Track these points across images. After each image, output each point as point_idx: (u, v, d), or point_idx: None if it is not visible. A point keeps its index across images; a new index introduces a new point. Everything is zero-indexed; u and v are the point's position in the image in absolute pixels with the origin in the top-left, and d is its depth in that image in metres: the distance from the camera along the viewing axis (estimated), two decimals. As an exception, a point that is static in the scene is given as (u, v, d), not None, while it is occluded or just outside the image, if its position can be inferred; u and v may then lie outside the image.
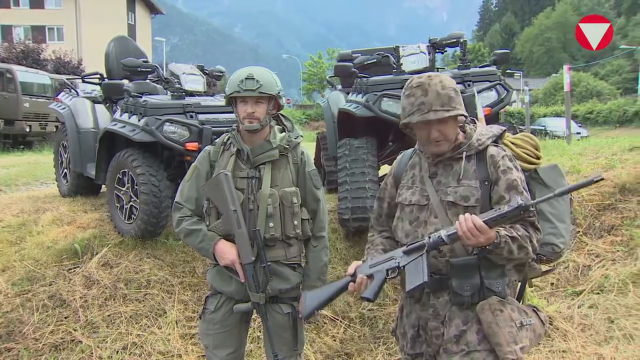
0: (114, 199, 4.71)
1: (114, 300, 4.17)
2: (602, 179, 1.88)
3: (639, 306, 4.01)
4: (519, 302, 2.20)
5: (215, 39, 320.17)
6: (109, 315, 4.04)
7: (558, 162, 5.43)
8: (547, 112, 37.39)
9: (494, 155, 2.12)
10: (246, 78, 2.46)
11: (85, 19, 36.19)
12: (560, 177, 2.37)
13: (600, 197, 5.05)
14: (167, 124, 4.31)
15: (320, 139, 6.36)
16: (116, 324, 3.99)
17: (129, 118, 4.57)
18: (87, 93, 6.03)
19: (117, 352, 3.79)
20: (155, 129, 4.29)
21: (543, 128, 26.51)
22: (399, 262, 2.08)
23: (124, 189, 4.60)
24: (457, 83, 2.18)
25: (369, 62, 5.11)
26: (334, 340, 4.13)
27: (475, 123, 2.26)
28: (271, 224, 2.49)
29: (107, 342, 3.85)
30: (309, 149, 3.05)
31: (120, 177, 4.62)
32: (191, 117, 4.43)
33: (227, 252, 2.47)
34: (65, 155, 5.97)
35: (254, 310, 2.56)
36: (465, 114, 2.13)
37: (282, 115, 2.70)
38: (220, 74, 5.44)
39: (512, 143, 2.33)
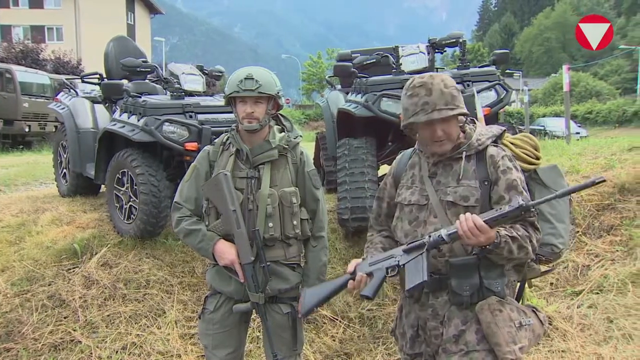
0: (113, 199, 4.71)
1: (113, 300, 4.17)
2: (604, 181, 1.87)
3: (638, 306, 4.01)
4: (518, 302, 2.20)
5: (214, 39, 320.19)
6: (108, 315, 4.04)
7: (557, 162, 5.44)
8: (546, 112, 37.42)
9: (493, 156, 2.12)
10: (245, 78, 2.46)
11: (84, 19, 36.19)
12: (559, 177, 2.37)
13: (599, 197, 5.05)
14: (167, 124, 4.31)
15: (319, 139, 6.36)
16: (115, 324, 3.99)
17: (129, 118, 4.57)
18: (87, 93, 6.03)
19: (117, 352, 3.79)
20: (154, 129, 4.29)
21: (542, 128, 26.53)
22: (398, 261, 2.08)
23: (123, 189, 4.60)
24: (457, 83, 2.18)
25: (368, 62, 5.11)
26: (334, 340, 4.13)
27: (475, 123, 2.26)
28: (270, 224, 2.49)
29: (106, 342, 3.85)
30: (308, 149, 3.06)
31: (120, 177, 4.62)
32: (190, 117, 4.43)
33: (226, 252, 2.47)
34: (65, 155, 5.97)
35: (254, 310, 2.56)
36: (467, 112, 2.13)
37: (281, 115, 2.70)
38: (220, 74, 5.44)
39: (512, 143, 2.33)
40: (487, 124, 2.51)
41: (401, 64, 4.93)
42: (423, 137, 2.15)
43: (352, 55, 5.97)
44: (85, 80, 6.08)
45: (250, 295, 2.48)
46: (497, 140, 2.21)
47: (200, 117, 4.45)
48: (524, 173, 2.18)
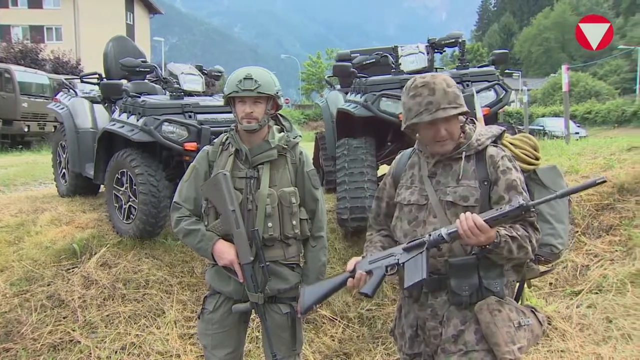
0: (113, 199, 4.71)
1: (112, 300, 4.17)
2: (605, 181, 1.87)
3: (637, 306, 4.02)
4: (517, 302, 2.20)
5: (214, 39, 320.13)
6: (107, 316, 4.04)
7: (557, 162, 5.44)
8: (545, 112, 37.44)
9: (493, 156, 2.12)
10: (244, 78, 2.46)
11: (83, 19, 36.18)
12: (558, 177, 2.37)
13: (598, 197, 5.06)
14: (166, 124, 4.31)
15: (318, 139, 6.36)
16: (115, 324, 3.99)
17: (128, 118, 4.57)
18: (86, 93, 6.03)
19: (116, 352, 3.79)
20: (153, 129, 4.29)
21: (541, 128, 26.56)
22: (398, 259, 2.08)
23: (122, 189, 4.60)
24: (456, 83, 2.18)
25: (368, 62, 5.11)
26: (333, 340, 4.13)
27: (474, 123, 2.27)
28: (270, 224, 2.49)
29: (105, 342, 3.85)
30: (307, 149, 3.06)
31: (119, 177, 4.62)
32: (190, 117, 4.42)
33: (225, 252, 2.47)
34: (64, 155, 5.96)
35: (253, 310, 2.56)
36: (469, 111, 2.13)
37: (280, 115, 2.70)
38: (219, 74, 5.44)
39: (511, 144, 2.33)
40: (486, 124, 2.51)
41: (400, 64, 4.93)
42: (425, 137, 2.14)
43: (352, 55, 5.97)
44: (85, 80, 6.08)
45: (250, 295, 2.48)
46: (496, 140, 2.21)
47: (200, 117, 4.45)
48: (523, 173, 2.18)
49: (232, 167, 2.53)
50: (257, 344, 3.89)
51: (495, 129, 2.24)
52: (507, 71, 47.01)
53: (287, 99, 42.68)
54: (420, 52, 4.92)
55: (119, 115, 4.72)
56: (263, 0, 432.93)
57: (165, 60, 40.04)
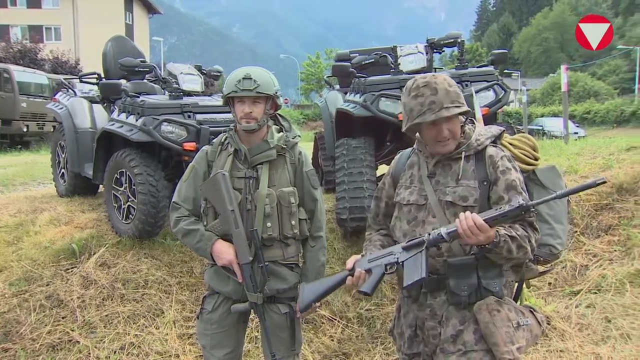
0: (112, 199, 4.71)
1: (111, 300, 4.17)
2: (605, 182, 1.88)
3: (636, 306, 4.02)
4: (516, 302, 2.20)
5: (213, 39, 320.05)
6: (106, 316, 4.04)
7: (555, 162, 5.44)
8: (544, 112, 37.46)
9: (492, 156, 2.12)
10: (243, 78, 2.46)
11: (82, 19, 36.16)
12: (557, 178, 2.37)
13: (597, 197, 5.06)
14: (165, 123, 4.31)
15: (318, 139, 6.36)
16: (114, 324, 3.98)
17: (127, 118, 4.57)
18: (85, 93, 6.02)
19: (115, 352, 3.78)
20: (152, 128, 4.28)
21: (541, 128, 26.56)
22: (397, 258, 2.08)
23: (121, 189, 4.60)
24: (455, 83, 2.18)
25: (367, 62, 5.11)
26: (332, 340, 4.13)
27: (474, 123, 2.27)
28: (269, 224, 2.49)
29: (104, 342, 3.84)
30: (306, 148, 3.06)
31: (118, 177, 4.62)
32: (189, 117, 4.42)
33: (224, 252, 2.47)
34: (63, 155, 5.96)
35: (252, 310, 2.56)
36: (471, 110, 2.13)
37: (279, 115, 2.70)
38: (218, 74, 5.44)
39: (510, 144, 2.34)
40: (485, 124, 2.51)
41: (399, 64, 4.93)
42: (428, 137, 2.14)
43: (351, 55, 5.97)
44: (84, 80, 6.08)
45: (249, 295, 2.48)
46: (496, 140, 2.22)
47: (199, 117, 4.45)
48: (522, 173, 2.18)
49: (231, 167, 2.53)
50: (256, 343, 3.89)
51: (494, 129, 2.24)
52: (506, 71, 47.03)
53: (286, 99, 42.74)
54: (419, 52, 4.92)
55: (118, 115, 4.72)
56: (262, 0, 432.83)
57: (164, 60, 40.06)
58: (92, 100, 5.81)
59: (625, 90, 48.10)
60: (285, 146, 2.60)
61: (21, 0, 37.53)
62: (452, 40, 5.19)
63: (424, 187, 2.17)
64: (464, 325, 2.06)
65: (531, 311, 2.15)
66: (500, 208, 1.93)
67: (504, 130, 2.27)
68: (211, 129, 4.30)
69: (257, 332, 3.85)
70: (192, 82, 4.86)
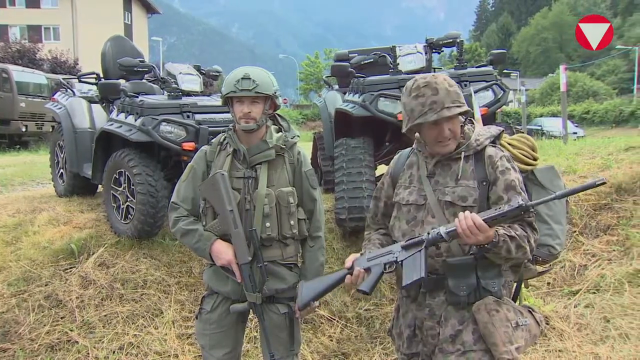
0: (111, 199, 4.70)
1: (110, 300, 4.16)
2: (605, 182, 1.88)
3: (635, 306, 4.03)
4: (515, 302, 2.21)
5: (212, 39, 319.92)
6: (105, 316, 4.03)
7: (554, 162, 5.44)
8: (543, 112, 37.47)
9: (492, 156, 2.13)
10: (242, 78, 2.46)
11: (81, 19, 36.14)
12: (556, 178, 2.38)
13: (596, 197, 5.06)
14: (164, 123, 4.30)
15: (317, 139, 6.35)
16: (112, 324, 3.98)
17: (126, 118, 4.56)
18: (84, 93, 6.01)
19: (114, 352, 3.78)
20: (151, 128, 4.28)
21: (539, 128, 26.55)
22: (396, 257, 2.08)
23: (120, 189, 4.59)
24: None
25: (366, 62, 5.12)
26: (331, 340, 4.13)
27: (473, 123, 2.27)
28: (268, 224, 2.49)
29: (103, 342, 3.84)
30: (305, 148, 3.06)
31: (117, 177, 4.61)
32: (188, 117, 4.42)
33: (223, 252, 2.47)
34: (62, 155, 5.95)
35: (251, 310, 2.56)
36: (471, 109, 2.14)
37: (278, 115, 2.70)
38: (217, 74, 5.43)
39: (509, 144, 2.34)
40: (484, 124, 2.51)
41: (398, 64, 4.93)
42: (428, 137, 2.14)
43: (350, 55, 5.98)
44: (82, 80, 6.07)
45: (248, 295, 2.48)
46: (495, 140, 2.22)
47: (198, 117, 4.44)
48: (521, 173, 2.18)
49: (229, 167, 2.53)
50: (255, 343, 3.89)
51: (493, 129, 2.24)
52: (505, 71, 47.04)
53: (285, 99, 42.72)
54: (418, 52, 4.92)
55: (117, 115, 4.72)
56: (261, 0, 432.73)
57: (163, 60, 40.08)
58: (91, 100, 5.80)
59: (624, 90, 48.13)
60: (284, 146, 2.60)
61: (20, 0, 37.51)
62: (451, 40, 5.19)
63: (423, 187, 2.17)
64: (462, 325, 2.07)
65: (530, 311, 2.15)
66: (500, 208, 1.93)
67: (503, 131, 2.27)
68: (210, 129, 4.30)
69: (256, 332, 3.85)
70: (191, 82, 4.85)
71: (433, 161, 2.18)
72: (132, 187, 4.45)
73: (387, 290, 4.54)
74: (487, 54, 5.61)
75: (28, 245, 4.55)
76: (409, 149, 2.35)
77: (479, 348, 2.02)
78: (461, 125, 2.17)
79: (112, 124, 4.67)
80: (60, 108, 5.83)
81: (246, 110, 2.48)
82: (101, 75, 5.84)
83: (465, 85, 4.65)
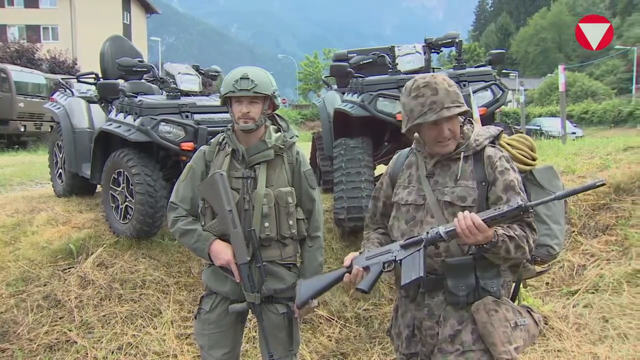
0: (109, 199, 4.70)
1: (109, 300, 4.16)
2: (604, 184, 1.88)
3: (634, 305, 4.03)
4: (514, 302, 2.21)
5: (211, 39, 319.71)
6: (104, 316, 4.03)
7: (553, 162, 5.45)
8: (542, 112, 37.50)
9: (491, 156, 2.13)
10: (241, 78, 2.46)
11: (80, 19, 36.12)
12: (555, 178, 2.38)
13: (595, 197, 5.07)
14: (163, 123, 4.30)
15: (316, 139, 6.35)
16: (111, 324, 3.98)
17: (125, 118, 4.56)
18: (82, 93, 6.01)
19: (112, 352, 3.78)
20: (150, 128, 4.28)
21: (538, 128, 26.59)
22: (395, 256, 2.08)
23: (119, 189, 4.59)
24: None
25: (365, 62, 5.12)
26: (330, 340, 4.13)
27: (472, 123, 2.27)
28: (266, 224, 2.49)
29: (102, 342, 3.84)
30: (304, 148, 3.05)
31: (116, 177, 4.61)
32: (187, 117, 4.42)
33: (222, 252, 2.47)
34: (60, 155, 5.94)
35: (250, 310, 2.56)
36: (470, 109, 2.14)
37: (277, 115, 2.70)
38: (216, 74, 5.43)
39: (508, 144, 2.34)
40: (483, 124, 2.52)
41: (397, 64, 4.93)
42: (428, 137, 2.14)
43: (349, 55, 5.98)
44: (81, 80, 6.07)
45: (246, 295, 2.48)
46: (494, 140, 2.22)
47: (197, 117, 4.44)
48: (520, 174, 2.19)
49: (228, 167, 2.53)
50: (254, 344, 3.89)
51: (493, 130, 2.24)
52: (504, 71, 47.00)
53: (284, 99, 42.70)
54: (417, 52, 4.92)
55: (116, 115, 4.72)
56: (260, 0, 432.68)
57: (162, 60, 40.00)
58: (89, 100, 5.80)
59: (623, 91, 48.16)
60: (282, 146, 2.60)
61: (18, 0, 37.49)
62: (450, 40, 5.19)
63: (422, 187, 2.17)
64: (461, 325, 2.07)
65: (528, 311, 2.15)
66: (499, 208, 1.94)
67: (502, 131, 2.27)
68: (209, 129, 4.30)
69: (255, 332, 3.85)
70: (189, 82, 4.85)
71: (432, 161, 2.18)
72: (130, 187, 4.45)
73: (385, 290, 4.54)
74: (486, 54, 5.61)
75: (27, 246, 4.55)
76: (408, 148, 2.35)
77: (478, 348, 2.02)
78: (460, 126, 2.17)
79: (110, 124, 4.67)
80: (59, 108, 5.83)
81: (245, 110, 2.48)
82: (100, 75, 5.84)
83: (464, 85, 4.65)
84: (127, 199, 4.52)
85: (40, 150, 14.82)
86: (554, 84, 40.81)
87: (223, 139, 2.62)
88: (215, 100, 4.75)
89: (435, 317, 2.12)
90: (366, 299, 4.43)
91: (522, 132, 2.64)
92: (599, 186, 1.86)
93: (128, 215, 4.54)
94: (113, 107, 4.97)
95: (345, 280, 2.20)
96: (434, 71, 5.63)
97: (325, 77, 7.06)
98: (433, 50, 5.37)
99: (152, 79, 5.45)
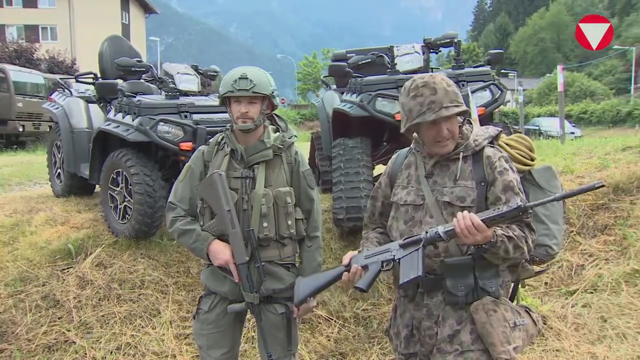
0: (108, 199, 4.70)
1: (107, 300, 4.16)
2: (603, 186, 1.89)
3: (632, 305, 4.04)
4: (512, 302, 2.21)
5: (210, 39, 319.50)
6: (102, 316, 4.03)
7: (552, 162, 5.45)
8: (541, 112, 37.58)
9: (490, 156, 2.13)
10: (240, 78, 2.46)
11: (78, 19, 36.09)
12: (553, 178, 2.38)
13: (593, 197, 5.07)
14: (161, 123, 4.30)
15: (314, 139, 6.35)
16: (110, 325, 3.98)
17: (123, 118, 4.56)
18: (81, 93, 6.00)
19: (111, 352, 3.78)
20: (149, 128, 4.28)
21: (537, 128, 26.63)
22: (394, 255, 2.08)
23: (118, 189, 4.59)
24: (452, 83, 2.18)
25: (363, 62, 5.12)
26: (329, 340, 4.13)
27: (471, 124, 2.27)
28: (265, 224, 2.49)
29: (100, 342, 3.84)
30: (303, 148, 3.05)
31: (114, 177, 4.61)
32: (185, 117, 4.42)
33: (221, 252, 2.46)
34: (59, 155, 5.94)
35: (248, 310, 2.56)
36: (468, 109, 2.14)
37: (276, 115, 2.70)
38: (215, 74, 5.42)
39: (506, 144, 2.34)
40: (482, 124, 2.52)
41: (396, 64, 4.93)
42: (427, 137, 2.14)
43: (347, 55, 5.97)
44: (80, 79, 6.06)
45: (245, 295, 2.48)
46: (493, 141, 2.22)
47: (195, 117, 4.44)
48: (518, 174, 2.19)
49: (227, 167, 2.53)
50: (252, 344, 3.89)
51: (492, 130, 2.24)
52: (502, 71, 47.11)
53: (283, 99, 42.72)
54: (415, 52, 4.92)
55: (115, 115, 4.71)
56: (259, 0, 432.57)
57: (161, 60, 39.93)
58: (88, 100, 5.80)
59: (621, 91, 48.23)
60: (281, 146, 2.60)
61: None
62: (448, 40, 5.19)
63: (421, 188, 2.17)
64: (460, 325, 2.07)
65: (527, 311, 2.16)
66: (498, 209, 1.94)
67: (501, 131, 2.28)
68: (208, 128, 4.30)
69: (254, 332, 3.85)
70: (188, 82, 4.85)
71: (432, 161, 2.18)
72: (129, 187, 4.44)
73: (384, 290, 4.54)
74: (485, 54, 5.62)
75: (25, 246, 4.54)
76: (407, 148, 2.35)
77: (477, 348, 2.02)
78: (459, 126, 2.18)
79: (109, 124, 4.66)
80: (57, 108, 5.83)
81: (244, 110, 2.48)
82: (99, 75, 5.83)
83: (463, 85, 4.65)
84: (126, 199, 4.52)
85: (38, 150, 14.81)
86: (553, 84, 40.82)
87: (222, 139, 2.62)
88: (214, 100, 4.75)
89: (434, 317, 2.12)
90: (365, 299, 4.43)
91: (520, 132, 2.65)
92: (597, 188, 1.86)
93: (127, 215, 4.54)
94: (112, 107, 4.97)
95: (344, 279, 2.20)
96: (432, 71, 5.63)
97: (324, 77, 7.07)
98: (432, 50, 5.37)
99: (150, 78, 5.45)
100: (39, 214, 5.14)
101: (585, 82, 45.86)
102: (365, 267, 2.14)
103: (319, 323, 4.26)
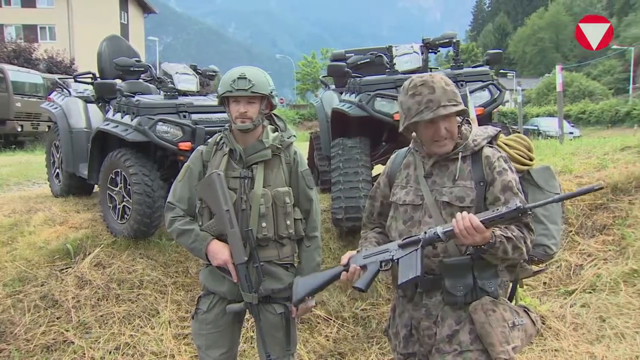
0: (107, 199, 4.69)
1: (106, 300, 4.15)
2: (602, 188, 1.90)
3: (630, 305, 4.04)
4: (511, 302, 2.21)
5: (208, 39, 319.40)
6: (101, 316, 4.03)
7: (550, 162, 5.46)
8: (539, 112, 37.60)
9: (489, 156, 2.13)
10: (238, 78, 2.46)
11: (77, 19, 36.06)
12: (552, 178, 2.39)
13: (592, 197, 5.07)
14: (160, 123, 4.30)
15: (313, 139, 6.35)
16: (109, 325, 3.97)
17: (122, 118, 4.55)
18: (80, 92, 6.00)
19: (110, 352, 3.77)
20: (148, 128, 4.27)
21: (536, 128, 26.66)
22: (393, 255, 2.08)
23: (116, 189, 4.58)
24: (451, 83, 2.18)
25: (362, 61, 5.11)
26: (327, 340, 4.13)
27: (470, 124, 2.27)
28: (264, 224, 2.49)
29: (99, 342, 3.83)
30: (302, 148, 3.05)
31: (113, 177, 4.60)
32: (184, 116, 4.41)
33: (219, 252, 2.46)
34: (58, 155, 5.93)
35: (247, 310, 2.56)
36: (467, 109, 2.14)
37: (274, 115, 2.70)
38: (214, 74, 5.42)
39: (505, 144, 2.34)
40: (480, 124, 2.51)
41: (395, 64, 4.92)
42: (425, 136, 2.14)
43: (346, 55, 5.97)
44: (78, 79, 6.05)
45: (244, 295, 2.48)
46: (492, 141, 2.22)
47: (194, 116, 4.44)
48: (517, 174, 2.19)
49: (226, 166, 2.53)
50: (251, 344, 3.89)
51: (490, 130, 2.25)
52: (501, 71, 47.17)
53: (281, 99, 42.72)
54: (414, 52, 4.92)
55: (113, 115, 4.71)
56: (258, 0, 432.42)
57: (159, 59, 39.93)
58: (87, 100, 5.79)
59: (620, 91, 48.28)
60: (280, 146, 2.60)
61: (15, -1, 37.46)
62: (447, 40, 5.19)
63: (420, 188, 2.17)
64: (459, 325, 2.07)
65: (526, 311, 2.16)
66: (497, 209, 1.94)
67: (500, 131, 2.28)
68: (206, 128, 4.29)
69: (253, 332, 3.85)
70: (187, 81, 4.85)
71: (430, 161, 2.18)
72: (128, 187, 4.44)
73: (383, 290, 4.54)
74: (484, 54, 5.62)
75: (24, 246, 4.54)
76: (406, 148, 2.35)
77: (476, 348, 2.02)
78: (458, 126, 2.18)
79: (108, 124, 4.66)
80: (56, 108, 5.82)
81: (242, 110, 2.48)
82: (97, 75, 5.82)
83: (462, 85, 4.65)
84: (125, 199, 4.51)
85: (37, 150, 14.80)
86: (552, 84, 40.88)
87: (220, 139, 2.62)
88: (212, 100, 4.75)
89: (433, 317, 2.12)
90: (364, 299, 4.43)
91: (519, 132, 2.65)
92: (597, 190, 1.87)
93: (125, 215, 4.53)
94: (110, 106, 4.96)
95: (342, 279, 2.20)
96: (431, 71, 5.63)
97: (323, 77, 7.06)
98: (430, 50, 5.37)
99: (149, 78, 5.44)
100: (38, 214, 5.14)
101: (584, 82, 45.91)
102: (364, 267, 2.14)
103: (318, 323, 4.26)
